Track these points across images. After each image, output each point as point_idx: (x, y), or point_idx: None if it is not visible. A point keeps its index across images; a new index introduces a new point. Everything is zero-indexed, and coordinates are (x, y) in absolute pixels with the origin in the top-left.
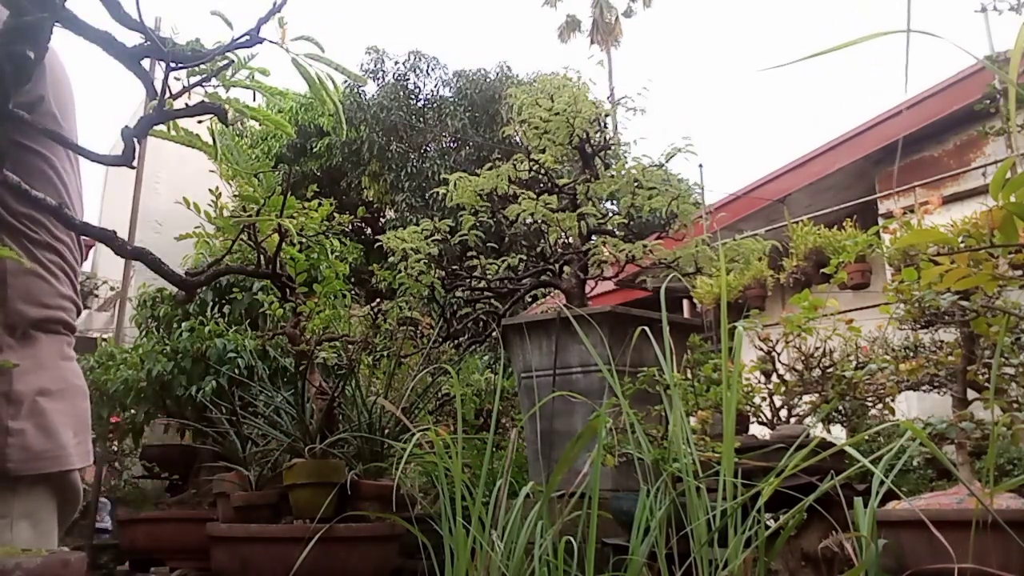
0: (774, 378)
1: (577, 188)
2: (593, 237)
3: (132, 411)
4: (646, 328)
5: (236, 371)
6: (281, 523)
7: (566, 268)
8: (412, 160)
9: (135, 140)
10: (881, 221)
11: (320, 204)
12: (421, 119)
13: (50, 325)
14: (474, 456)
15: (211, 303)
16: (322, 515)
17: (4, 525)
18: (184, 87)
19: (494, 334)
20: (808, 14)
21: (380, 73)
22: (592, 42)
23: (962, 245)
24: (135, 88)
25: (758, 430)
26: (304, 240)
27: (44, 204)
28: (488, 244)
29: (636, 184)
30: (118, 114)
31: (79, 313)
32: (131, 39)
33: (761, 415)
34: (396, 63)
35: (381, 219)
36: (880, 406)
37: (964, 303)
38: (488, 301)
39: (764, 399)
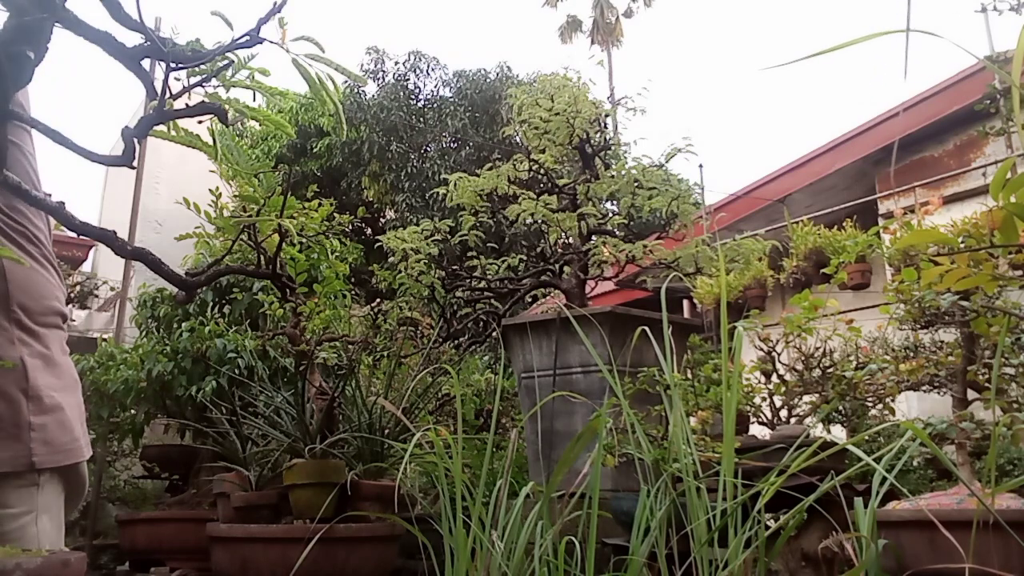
0: (774, 378)
1: (577, 188)
2: (593, 237)
3: (132, 411)
4: (646, 328)
5: (236, 371)
6: (281, 523)
7: (566, 268)
8: (412, 160)
9: (135, 140)
10: (881, 221)
11: (320, 204)
12: (421, 119)
13: (51, 318)
14: (474, 456)
15: (211, 303)
16: (322, 515)
17: (30, 520)
18: (184, 87)
19: (494, 334)
20: (808, 14)
21: (380, 73)
22: (592, 42)
23: (962, 245)
24: (135, 88)
25: (758, 430)
26: (304, 240)
27: (45, 203)
28: (488, 244)
29: (636, 184)
30: (118, 114)
31: (68, 301)
32: (131, 39)
33: (761, 415)
34: (396, 63)
35: (381, 219)
36: (880, 406)
37: (964, 303)
38: (488, 301)
39: (764, 399)
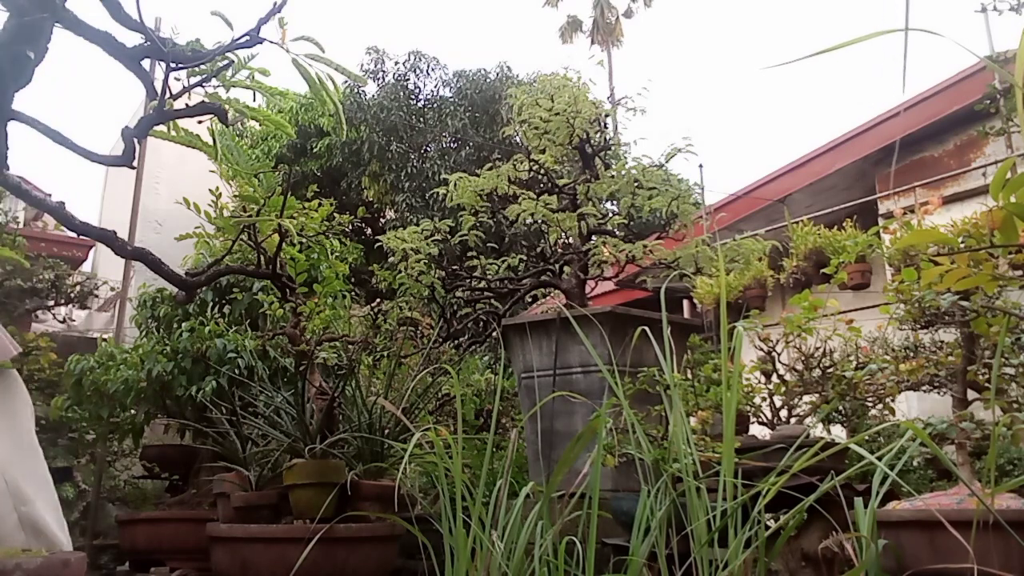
0: (774, 378)
1: (577, 188)
2: (593, 237)
3: (132, 411)
4: (646, 328)
5: (236, 371)
6: (281, 523)
7: (566, 268)
8: (412, 160)
9: (135, 140)
10: (881, 221)
11: (320, 204)
12: (421, 119)
13: None
14: (474, 456)
15: (211, 303)
16: (322, 515)
17: None
18: (184, 87)
19: (494, 334)
20: (808, 14)
21: (380, 73)
22: (592, 42)
23: (962, 245)
24: (135, 88)
25: (758, 430)
26: (304, 240)
27: (46, 204)
28: (488, 244)
29: (636, 184)
30: (118, 114)
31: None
32: (131, 39)
33: (761, 415)
34: (396, 63)
35: (381, 219)
36: (880, 406)
37: (964, 303)
38: (488, 301)
39: (764, 399)
